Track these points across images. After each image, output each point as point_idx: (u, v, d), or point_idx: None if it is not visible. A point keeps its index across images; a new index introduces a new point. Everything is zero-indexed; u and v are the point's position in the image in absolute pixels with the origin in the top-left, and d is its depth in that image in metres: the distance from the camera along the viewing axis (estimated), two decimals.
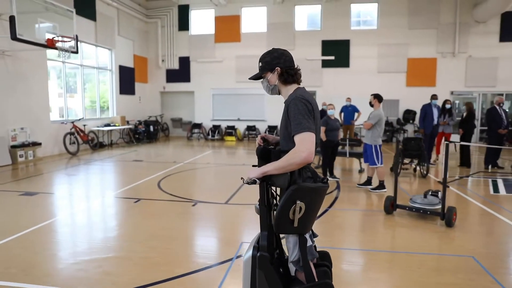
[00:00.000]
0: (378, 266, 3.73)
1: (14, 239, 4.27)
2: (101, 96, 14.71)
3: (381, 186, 6.92)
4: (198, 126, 16.85)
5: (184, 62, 17.04)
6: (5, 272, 3.43)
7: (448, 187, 6.90)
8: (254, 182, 2.08)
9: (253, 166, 2.24)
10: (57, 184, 7.54)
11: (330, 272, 2.34)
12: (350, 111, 12.78)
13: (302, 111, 2.04)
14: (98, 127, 13.28)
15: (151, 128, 15.60)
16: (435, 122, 9.67)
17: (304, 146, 1.98)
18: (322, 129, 7.47)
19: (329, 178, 7.57)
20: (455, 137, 10.73)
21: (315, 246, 2.25)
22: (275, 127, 16.26)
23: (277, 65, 2.25)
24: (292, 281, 2.18)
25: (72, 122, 11.75)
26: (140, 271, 3.45)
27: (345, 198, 6.43)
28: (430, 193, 5.57)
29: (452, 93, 15.35)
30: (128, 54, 15.83)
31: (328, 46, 15.93)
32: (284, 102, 2.24)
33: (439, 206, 5.15)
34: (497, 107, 9.29)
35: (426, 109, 9.85)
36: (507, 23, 14.64)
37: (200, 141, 15.96)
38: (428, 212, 5.15)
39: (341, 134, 7.29)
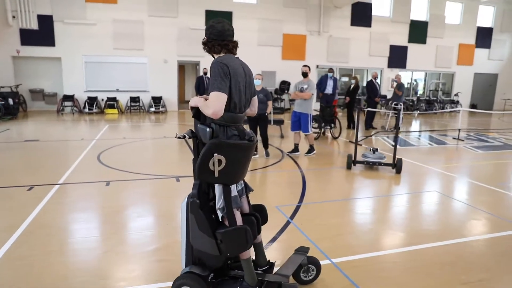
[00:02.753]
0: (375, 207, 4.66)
1: None
2: None
3: (312, 149, 7.59)
4: (70, 98, 14.55)
5: (46, 21, 14.15)
6: None
7: (361, 145, 8.53)
8: (184, 136, 2.36)
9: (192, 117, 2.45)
10: None
11: (258, 222, 2.63)
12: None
13: (217, 72, 2.24)
14: None
15: (10, 101, 12.67)
16: (330, 91, 11.35)
17: (211, 103, 2.21)
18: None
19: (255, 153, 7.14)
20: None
21: (249, 201, 2.67)
22: (160, 98, 15.59)
23: (206, 36, 2.50)
24: (219, 225, 2.46)
25: None
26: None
27: (305, 160, 7.20)
28: (371, 149, 6.87)
29: (317, 66, 17.84)
30: None
31: (212, 17, 15.91)
32: None
33: (385, 160, 6.53)
34: (374, 80, 11.60)
35: (322, 80, 11.44)
36: (355, 11, 17.77)
37: (74, 115, 13.92)
38: (383, 164, 6.43)
39: (269, 108, 6.96)
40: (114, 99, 14.97)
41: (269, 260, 2.75)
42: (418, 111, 17.13)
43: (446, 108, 18.34)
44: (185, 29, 15.69)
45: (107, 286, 2.82)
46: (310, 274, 2.81)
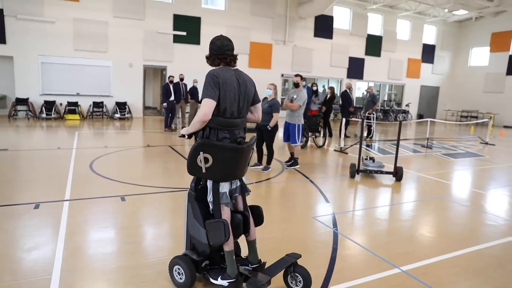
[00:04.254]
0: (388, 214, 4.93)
1: None
2: None
3: (296, 162, 7.25)
4: (24, 102, 13.24)
5: None
6: None
7: (347, 153, 8.91)
8: (183, 136, 2.72)
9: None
10: None
11: (246, 220, 2.86)
12: None
13: (207, 82, 2.57)
14: None
15: None
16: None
17: (201, 109, 2.54)
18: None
19: (258, 164, 6.96)
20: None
21: (244, 201, 2.91)
22: (125, 103, 14.81)
23: (209, 51, 2.82)
24: (210, 217, 2.76)
25: None
26: None
27: (307, 170, 7.28)
28: (367, 158, 7.18)
29: (282, 75, 18.21)
30: None
31: (180, 21, 15.59)
32: None
33: (384, 168, 6.87)
34: (348, 91, 12.13)
35: None
36: (318, 23, 18.48)
37: (29, 121, 12.70)
38: (384, 173, 6.75)
39: (273, 120, 6.58)
40: (75, 103, 13.91)
41: (260, 259, 2.93)
42: (376, 121, 18.17)
43: (398, 117, 19.70)
44: (152, 32, 15.13)
45: None
46: (297, 283, 2.79)
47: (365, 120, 11.87)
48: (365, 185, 6.36)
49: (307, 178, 6.58)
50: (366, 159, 7.10)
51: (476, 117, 21.13)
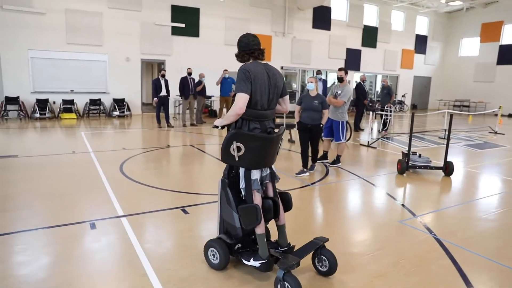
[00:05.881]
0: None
1: None
2: None
3: (338, 160, 6.96)
4: (14, 101, 12.18)
5: None
6: None
7: (375, 148, 8.63)
8: (217, 127, 2.87)
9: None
10: None
11: (275, 206, 2.99)
12: (229, 83, 12.79)
13: (240, 77, 2.72)
14: None
15: None
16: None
17: (236, 104, 2.69)
18: (297, 108, 6.19)
19: (305, 171, 6.21)
20: None
21: (274, 188, 3.02)
22: (123, 100, 13.97)
23: (237, 49, 2.96)
24: (242, 202, 2.91)
25: None
26: None
27: (350, 169, 6.93)
28: (411, 154, 6.89)
29: (282, 68, 17.76)
30: None
31: (178, 12, 14.81)
32: None
33: (431, 163, 6.63)
34: (362, 83, 11.85)
35: None
36: (316, 14, 18.10)
37: (22, 121, 11.71)
38: (434, 168, 6.49)
39: (324, 118, 6.04)
40: (71, 101, 12.96)
41: (289, 243, 3.04)
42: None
43: (396, 108, 19.71)
44: (149, 24, 14.28)
45: None
46: (323, 265, 2.96)
47: (384, 113, 11.69)
48: (420, 181, 6.07)
49: (359, 177, 6.23)
50: (411, 154, 6.81)
51: (468, 106, 21.50)
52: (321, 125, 6.05)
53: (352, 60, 19.70)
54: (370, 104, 13.57)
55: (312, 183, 5.79)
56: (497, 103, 20.25)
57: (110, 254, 3.33)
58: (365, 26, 19.85)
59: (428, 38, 22.65)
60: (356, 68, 19.98)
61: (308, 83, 6.06)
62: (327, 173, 6.43)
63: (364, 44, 20.05)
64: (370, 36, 20.12)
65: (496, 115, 13.36)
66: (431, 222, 4.26)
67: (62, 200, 4.65)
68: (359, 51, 19.94)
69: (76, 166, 6.42)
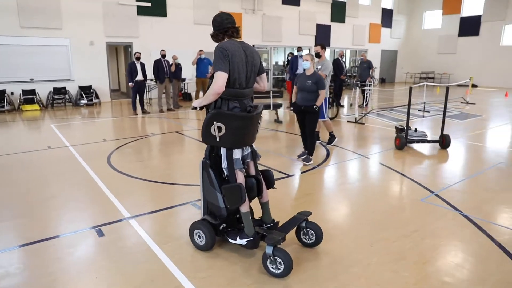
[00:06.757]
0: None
1: None
2: None
3: (333, 137, 6.81)
4: None
5: None
6: None
7: (363, 123, 8.60)
8: (195, 108, 2.83)
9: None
10: None
11: (258, 183, 3.00)
12: (205, 64, 12.25)
13: (218, 56, 2.67)
14: None
15: None
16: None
17: (215, 82, 2.65)
18: (294, 89, 5.74)
19: (303, 160, 5.67)
20: None
21: (256, 167, 3.05)
22: (90, 87, 13.02)
23: (213, 28, 2.90)
24: (225, 182, 2.93)
25: None
26: None
27: (351, 147, 6.81)
28: (407, 128, 6.87)
29: (253, 46, 17.20)
30: None
31: None
32: None
33: (427, 137, 6.66)
34: (340, 59, 11.72)
35: (293, 60, 11.15)
36: None
37: None
38: (431, 141, 6.51)
39: (319, 99, 5.44)
40: (33, 91, 11.85)
41: (273, 219, 3.12)
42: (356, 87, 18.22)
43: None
44: (112, 4, 13.23)
45: None
46: (309, 238, 3.07)
47: (362, 88, 11.67)
48: (420, 156, 6.08)
49: (361, 155, 6.12)
50: (404, 129, 6.80)
51: (433, 78, 22.17)
52: (315, 107, 5.44)
53: (323, 36, 19.52)
54: (347, 80, 13.53)
55: (318, 165, 5.61)
56: (459, 74, 21.06)
57: (133, 262, 2.96)
58: (333, 0, 19.65)
59: (394, 12, 22.90)
60: (327, 43, 19.83)
61: (303, 61, 5.54)
62: (328, 154, 6.27)
63: (333, 19, 19.90)
64: (338, 11, 19.98)
65: (459, 85, 13.80)
66: (453, 199, 4.21)
67: (54, 205, 4.15)
68: (328, 27, 19.79)
69: (58, 163, 5.82)
